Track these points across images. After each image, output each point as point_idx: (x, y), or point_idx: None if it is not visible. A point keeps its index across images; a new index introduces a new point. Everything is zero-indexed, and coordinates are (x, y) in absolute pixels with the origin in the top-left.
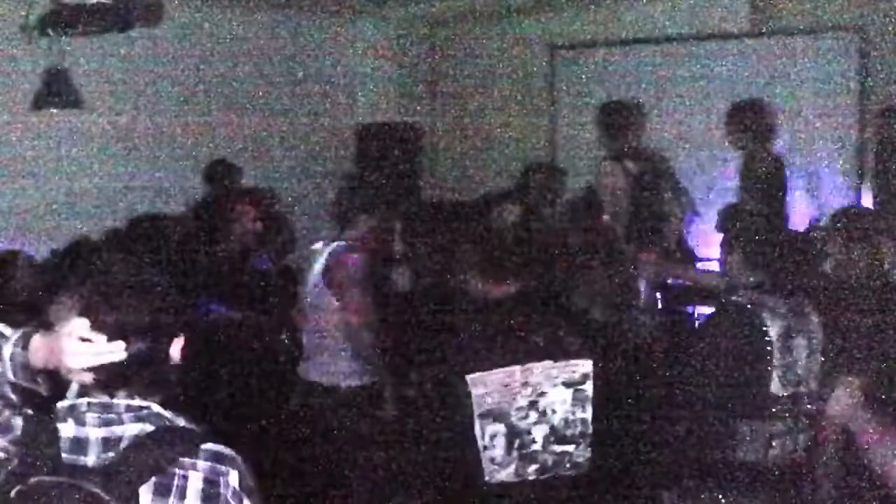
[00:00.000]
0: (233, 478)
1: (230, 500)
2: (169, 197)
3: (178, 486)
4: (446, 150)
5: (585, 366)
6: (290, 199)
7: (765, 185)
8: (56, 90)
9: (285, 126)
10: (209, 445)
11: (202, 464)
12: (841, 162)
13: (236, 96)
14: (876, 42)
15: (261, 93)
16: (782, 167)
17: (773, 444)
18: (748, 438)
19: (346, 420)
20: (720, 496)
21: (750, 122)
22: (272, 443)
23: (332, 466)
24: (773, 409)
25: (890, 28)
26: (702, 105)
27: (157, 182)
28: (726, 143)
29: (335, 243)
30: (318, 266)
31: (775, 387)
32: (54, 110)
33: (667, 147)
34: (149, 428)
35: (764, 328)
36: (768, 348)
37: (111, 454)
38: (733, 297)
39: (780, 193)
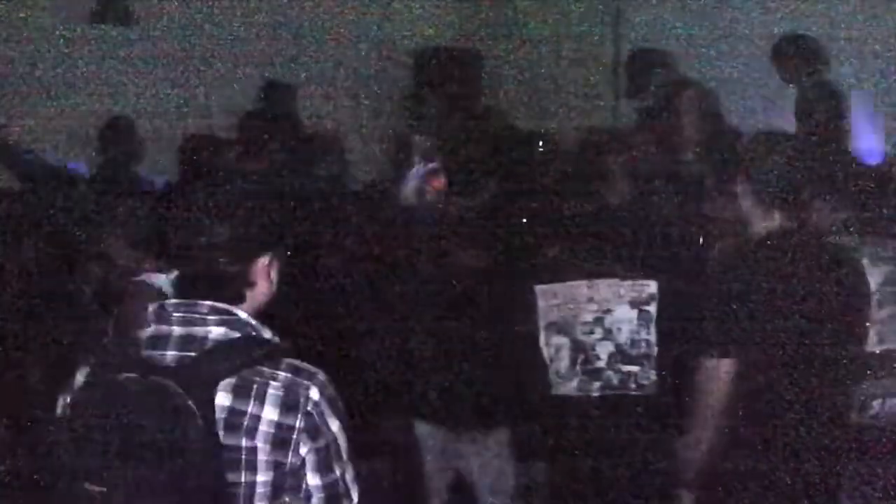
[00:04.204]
0: (313, 392)
1: (310, 411)
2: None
3: (256, 391)
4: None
5: (651, 286)
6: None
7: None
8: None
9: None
10: (291, 360)
11: (283, 374)
12: None
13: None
14: None
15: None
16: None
17: None
18: None
19: None
20: None
21: (797, 55)
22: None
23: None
24: None
25: None
26: None
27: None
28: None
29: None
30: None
31: None
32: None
33: None
34: (233, 334)
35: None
36: None
37: (192, 353)
38: None
39: (837, 126)
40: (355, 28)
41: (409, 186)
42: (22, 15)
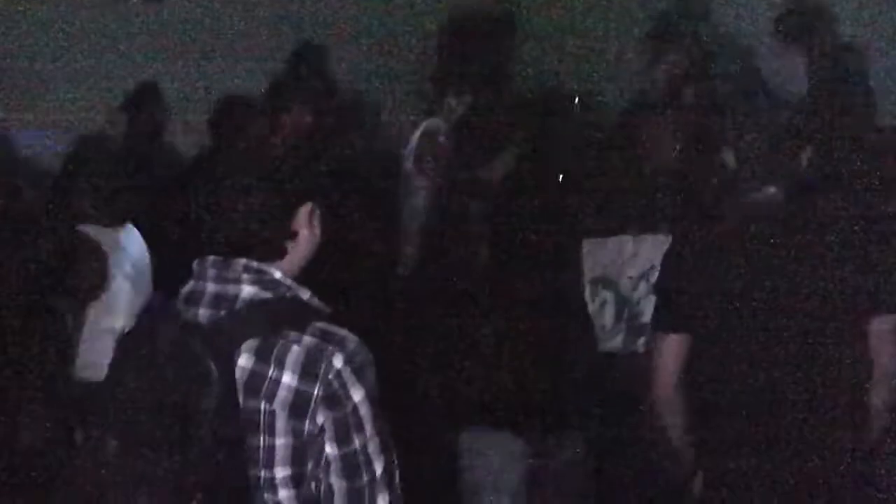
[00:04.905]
0: (337, 359)
1: (331, 380)
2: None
3: (277, 354)
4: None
5: None
6: None
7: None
8: None
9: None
10: (321, 324)
11: (308, 339)
12: None
13: None
14: None
15: None
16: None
17: None
18: None
19: None
20: None
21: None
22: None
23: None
24: None
25: None
26: None
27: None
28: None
29: (427, 121)
30: (411, 146)
31: None
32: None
33: None
34: (265, 294)
35: None
36: None
37: (221, 311)
38: None
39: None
40: (356, 24)
41: (411, 148)
42: None
